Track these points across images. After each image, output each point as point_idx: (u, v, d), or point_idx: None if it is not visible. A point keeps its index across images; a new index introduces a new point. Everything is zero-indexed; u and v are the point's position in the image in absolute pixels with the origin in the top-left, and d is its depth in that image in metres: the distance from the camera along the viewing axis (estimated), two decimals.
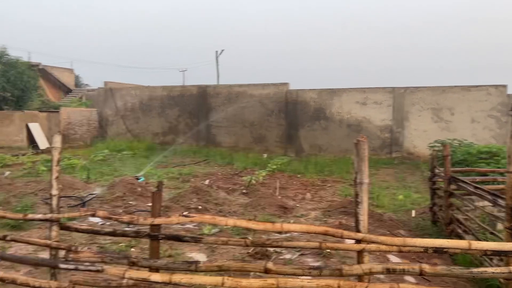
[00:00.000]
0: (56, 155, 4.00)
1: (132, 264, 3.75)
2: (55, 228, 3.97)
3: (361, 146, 3.41)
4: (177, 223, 4.71)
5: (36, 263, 4.02)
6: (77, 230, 4.03)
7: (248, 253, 6.05)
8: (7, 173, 12.68)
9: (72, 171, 13.18)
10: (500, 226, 6.86)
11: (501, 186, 7.67)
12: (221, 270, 3.61)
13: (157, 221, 3.69)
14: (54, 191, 3.99)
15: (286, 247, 3.79)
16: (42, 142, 19.52)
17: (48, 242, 3.92)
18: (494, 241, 5.98)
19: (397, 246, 3.34)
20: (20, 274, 5.20)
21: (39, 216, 4.03)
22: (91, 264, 3.73)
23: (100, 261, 3.79)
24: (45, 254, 5.64)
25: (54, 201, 4.00)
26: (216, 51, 41.06)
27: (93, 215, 3.96)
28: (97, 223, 7.61)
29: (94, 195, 9.68)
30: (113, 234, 3.93)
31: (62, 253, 4.01)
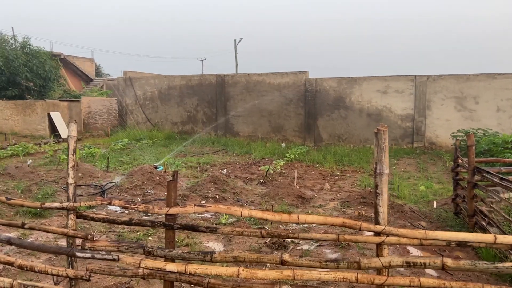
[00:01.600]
0: (72, 144, 3.99)
1: (148, 253, 3.74)
2: (71, 216, 3.98)
3: (381, 135, 3.28)
4: (193, 213, 4.68)
5: (54, 251, 4.05)
6: (93, 219, 4.03)
7: (265, 243, 6.01)
8: (30, 161, 12.93)
9: (92, 159, 13.35)
10: None
11: None
12: (236, 261, 3.56)
13: (172, 210, 3.65)
14: (71, 180, 3.99)
15: (303, 239, 3.70)
16: (63, 131, 19.84)
17: (65, 230, 3.93)
18: None
19: (418, 239, 3.22)
20: (40, 261, 5.29)
21: (56, 204, 4.04)
22: (107, 253, 3.73)
23: (116, 250, 3.79)
24: (64, 242, 5.72)
25: (71, 190, 4.00)
26: (235, 40, 40.91)
27: (110, 204, 3.96)
28: (115, 211, 7.69)
29: (113, 184, 9.77)
30: (128, 223, 3.92)
31: (80, 241, 4.03)
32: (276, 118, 20.00)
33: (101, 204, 3.94)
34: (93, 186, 9.70)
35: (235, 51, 40.72)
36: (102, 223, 6.59)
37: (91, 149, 14.50)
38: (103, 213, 7.59)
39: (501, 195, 6.60)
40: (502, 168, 7.18)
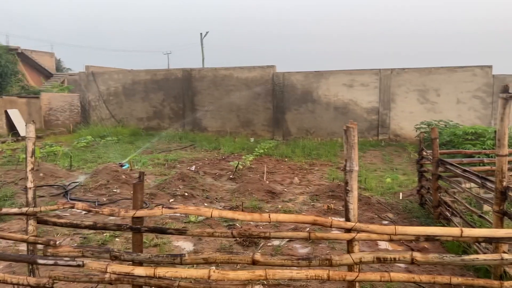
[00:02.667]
0: (30, 146, 3.79)
1: (115, 258, 3.60)
2: (32, 222, 3.78)
3: (351, 132, 3.28)
4: (161, 215, 4.56)
5: (13, 259, 3.84)
6: (55, 224, 3.85)
7: (235, 240, 5.95)
8: None
9: (54, 158, 12.86)
10: (486, 207, 6.89)
11: (487, 167, 7.70)
12: (207, 262, 3.48)
13: (139, 213, 3.53)
14: (30, 184, 3.79)
15: (275, 238, 3.67)
16: (22, 129, 19.00)
17: (25, 237, 3.74)
18: (481, 223, 5.99)
19: (387, 234, 3.25)
20: None
21: (14, 210, 3.83)
22: (71, 259, 3.58)
23: (81, 255, 3.64)
24: (25, 247, 5.46)
25: (30, 194, 3.80)
26: (201, 33, 40.41)
27: (73, 207, 3.79)
28: (80, 213, 7.42)
29: (77, 183, 9.45)
30: (93, 227, 3.76)
31: (42, 246, 3.84)
32: (245, 113, 19.93)
33: (64, 208, 3.76)
34: (55, 186, 9.34)
35: (202, 45, 40.24)
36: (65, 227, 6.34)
37: (52, 148, 13.96)
38: (68, 214, 7.33)
39: (463, 185, 6.82)
40: (463, 159, 7.42)
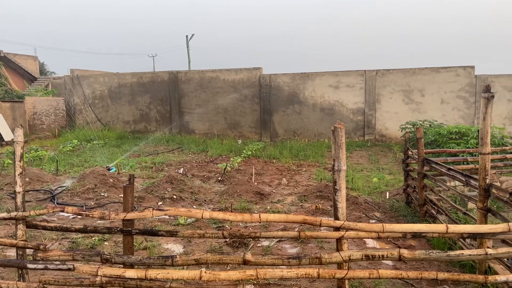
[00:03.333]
0: (18, 150, 3.77)
1: (105, 261, 3.61)
2: (21, 227, 3.76)
3: (338, 133, 3.35)
4: (151, 217, 4.56)
5: (2, 264, 3.81)
6: (45, 228, 3.83)
7: (225, 241, 5.98)
8: None
9: (40, 163, 12.71)
10: (470, 205, 7.05)
11: (471, 166, 7.88)
12: (198, 264, 3.51)
13: (129, 216, 3.54)
14: (19, 188, 3.77)
15: (265, 237, 3.72)
16: (6, 134, 18.73)
17: (14, 242, 3.72)
18: (466, 220, 6.13)
19: (376, 232, 3.32)
20: None
21: (3, 215, 3.81)
22: (61, 263, 3.57)
23: (71, 259, 3.63)
24: (13, 252, 5.41)
25: (19, 199, 3.78)
26: (187, 36, 40.29)
27: (62, 211, 3.78)
28: (68, 217, 7.37)
29: (64, 188, 9.36)
30: (84, 230, 3.76)
31: (31, 251, 3.82)
32: (232, 115, 19.96)
33: (53, 212, 3.75)
34: (42, 191, 9.24)
35: (187, 47, 40.14)
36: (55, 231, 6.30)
37: (38, 152, 13.79)
38: (55, 218, 7.26)
39: (448, 184, 6.96)
40: (448, 158, 7.57)
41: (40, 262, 3.57)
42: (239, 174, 11.27)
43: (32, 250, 3.69)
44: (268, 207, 8.09)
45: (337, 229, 3.41)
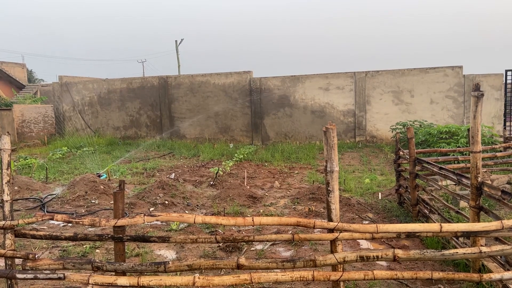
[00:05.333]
0: (6, 158, 3.70)
1: (97, 268, 3.55)
2: (9, 236, 3.68)
3: (330, 133, 3.33)
4: (143, 223, 4.50)
5: None
6: (34, 237, 3.75)
7: (218, 246, 5.92)
8: None
9: (29, 171, 12.54)
10: (462, 204, 7.08)
11: (462, 165, 7.92)
12: (191, 269, 3.46)
13: (120, 222, 3.48)
14: (6, 197, 3.69)
15: (259, 241, 3.68)
16: None
17: (3, 251, 3.64)
18: (458, 219, 6.15)
19: (370, 233, 3.30)
20: None
21: None
22: (51, 272, 3.50)
23: (62, 267, 3.56)
24: (1, 262, 5.30)
25: (7, 207, 3.71)
26: (176, 41, 40.21)
27: (52, 219, 3.71)
28: (58, 225, 7.26)
29: (54, 196, 9.23)
30: (74, 238, 3.69)
31: (20, 260, 3.74)
32: (223, 119, 19.91)
33: (42, 220, 3.67)
34: (31, 199, 9.10)
35: (177, 52, 40.04)
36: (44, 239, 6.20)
37: (27, 160, 13.61)
38: (45, 227, 7.15)
39: (440, 183, 6.98)
40: (439, 157, 7.60)
41: (30, 271, 3.50)
42: (231, 178, 11.22)
43: (22, 259, 3.62)
44: (261, 211, 8.05)
45: (331, 230, 3.38)
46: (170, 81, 20.68)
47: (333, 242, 3.41)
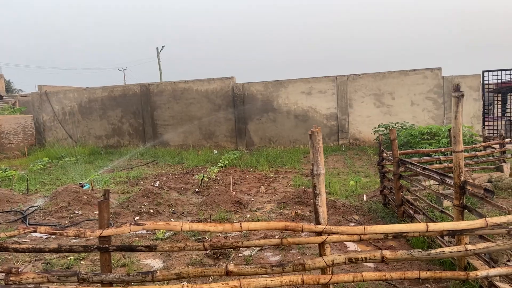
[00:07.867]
0: None
1: (82, 280, 3.47)
2: None
3: (316, 137, 3.35)
4: (129, 232, 4.43)
5: None
6: (16, 250, 3.65)
7: (206, 253, 5.88)
8: None
9: (9, 183, 12.25)
10: (446, 203, 7.19)
11: (444, 165, 8.06)
12: (180, 278, 3.42)
13: (106, 232, 3.42)
14: None
15: (247, 247, 3.66)
16: None
17: None
18: (443, 218, 6.23)
19: (357, 234, 3.32)
20: None
21: None
22: (36, 286, 3.42)
23: (46, 281, 3.48)
24: None
25: None
26: (157, 48, 40.03)
27: (35, 231, 3.62)
28: (41, 237, 7.10)
29: (35, 207, 9.03)
30: (58, 250, 3.61)
31: (2, 275, 3.64)
32: (207, 125, 19.84)
33: (25, 232, 3.58)
34: (12, 212, 8.88)
35: (158, 59, 39.86)
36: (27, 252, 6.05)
37: (6, 172, 13.29)
38: (27, 240, 6.98)
39: (423, 183, 7.08)
40: (422, 158, 7.72)
41: (13, 286, 3.41)
42: (217, 184, 11.17)
43: (4, 274, 3.52)
44: (248, 216, 8.03)
45: (319, 233, 3.39)
46: (152, 88, 20.54)
47: (321, 245, 3.42)
